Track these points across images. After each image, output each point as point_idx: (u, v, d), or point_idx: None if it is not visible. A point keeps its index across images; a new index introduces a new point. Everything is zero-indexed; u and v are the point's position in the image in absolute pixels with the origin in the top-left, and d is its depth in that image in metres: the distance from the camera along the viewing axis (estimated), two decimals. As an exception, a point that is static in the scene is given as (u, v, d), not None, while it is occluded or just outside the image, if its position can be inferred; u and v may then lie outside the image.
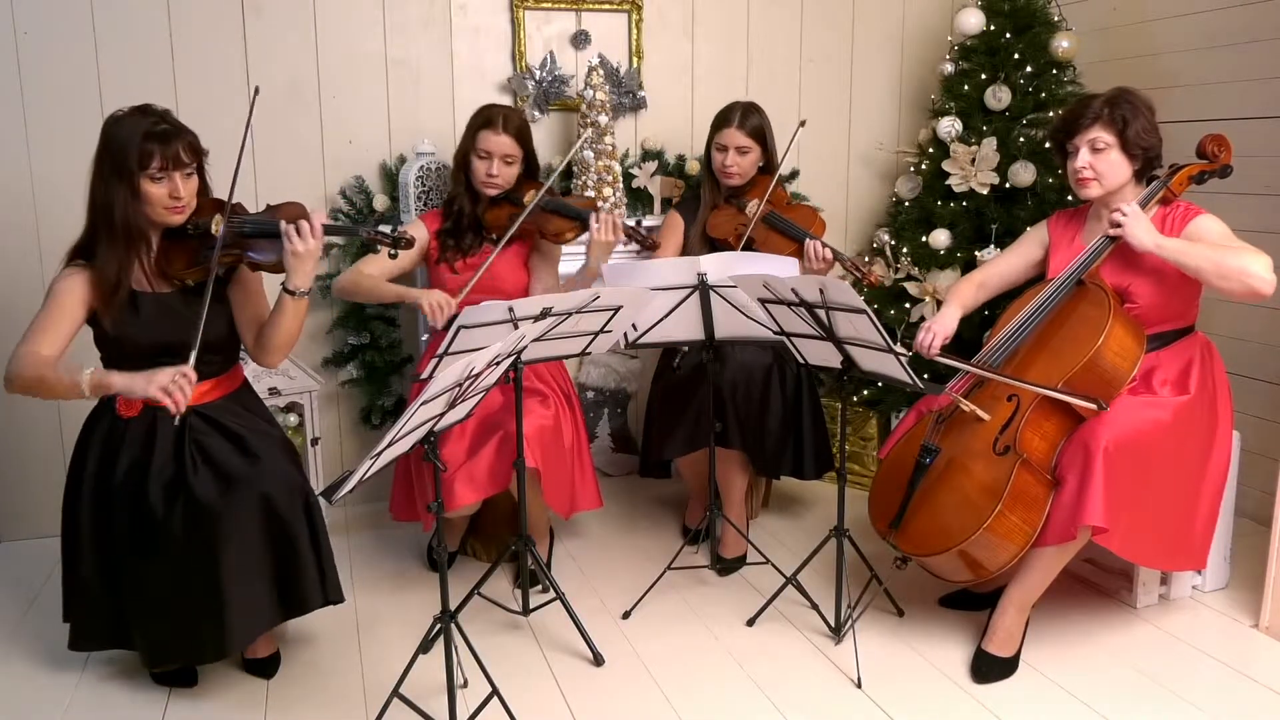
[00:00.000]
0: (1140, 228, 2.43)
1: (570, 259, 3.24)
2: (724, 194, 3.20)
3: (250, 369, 3.01)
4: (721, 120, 3.14)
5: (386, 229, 2.46)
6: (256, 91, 2.37)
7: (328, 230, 2.35)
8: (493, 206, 2.98)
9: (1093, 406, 2.36)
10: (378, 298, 2.97)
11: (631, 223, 2.98)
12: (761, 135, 3.12)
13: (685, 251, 3.20)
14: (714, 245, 3.12)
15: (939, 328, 2.66)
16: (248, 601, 2.23)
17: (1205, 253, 2.38)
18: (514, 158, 2.94)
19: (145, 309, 2.31)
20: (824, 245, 2.95)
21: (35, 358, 2.18)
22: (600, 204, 3.45)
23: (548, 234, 2.95)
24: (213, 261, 2.27)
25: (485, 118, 2.91)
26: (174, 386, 2.10)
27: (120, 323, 2.28)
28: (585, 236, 2.91)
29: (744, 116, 3.10)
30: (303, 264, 2.30)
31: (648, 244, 2.96)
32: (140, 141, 2.21)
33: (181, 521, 2.21)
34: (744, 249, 2.98)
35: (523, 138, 2.95)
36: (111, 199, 2.22)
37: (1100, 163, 2.52)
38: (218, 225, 2.31)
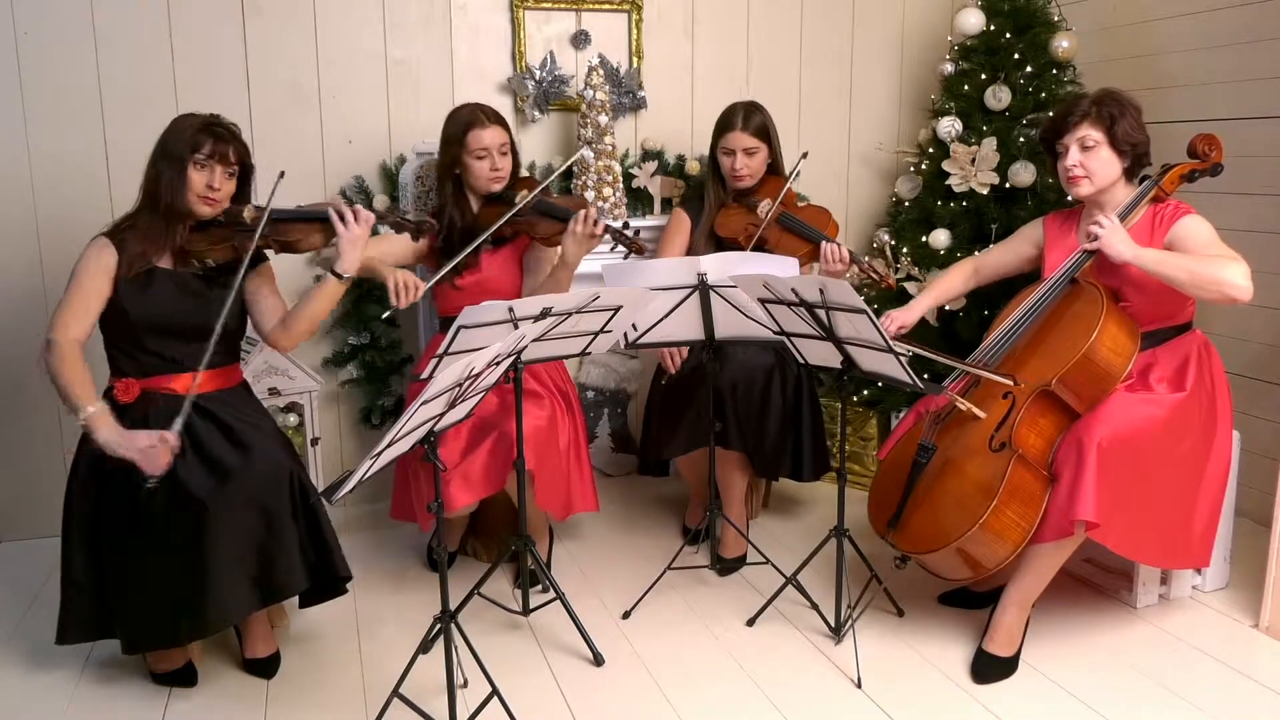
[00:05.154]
0: (1117, 240, 2.43)
1: (588, 258, 3.23)
2: (731, 193, 3.18)
3: (250, 370, 3.02)
4: (725, 124, 3.10)
5: (411, 215, 2.62)
6: (281, 175, 2.42)
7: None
8: (487, 206, 2.96)
9: (1008, 383, 2.40)
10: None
11: (617, 224, 2.88)
12: (766, 133, 3.10)
13: (691, 251, 3.17)
14: (721, 244, 3.10)
15: (901, 316, 2.78)
16: (227, 586, 2.24)
17: (1182, 263, 2.39)
18: (508, 146, 2.91)
19: (160, 284, 2.37)
20: (841, 247, 2.93)
21: (69, 348, 2.28)
22: (600, 204, 3.45)
23: (538, 236, 2.89)
24: (252, 240, 2.38)
25: (466, 120, 2.86)
26: (156, 450, 2.20)
27: (133, 293, 2.34)
28: None
29: (747, 117, 3.07)
30: (353, 249, 2.46)
31: (633, 248, 2.81)
32: (196, 130, 2.35)
33: (165, 504, 2.23)
34: (755, 250, 2.96)
35: (506, 125, 2.93)
36: (159, 178, 2.35)
37: (1090, 160, 2.53)
38: (250, 213, 2.44)
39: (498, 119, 2.90)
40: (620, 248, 2.83)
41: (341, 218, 2.44)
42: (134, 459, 2.21)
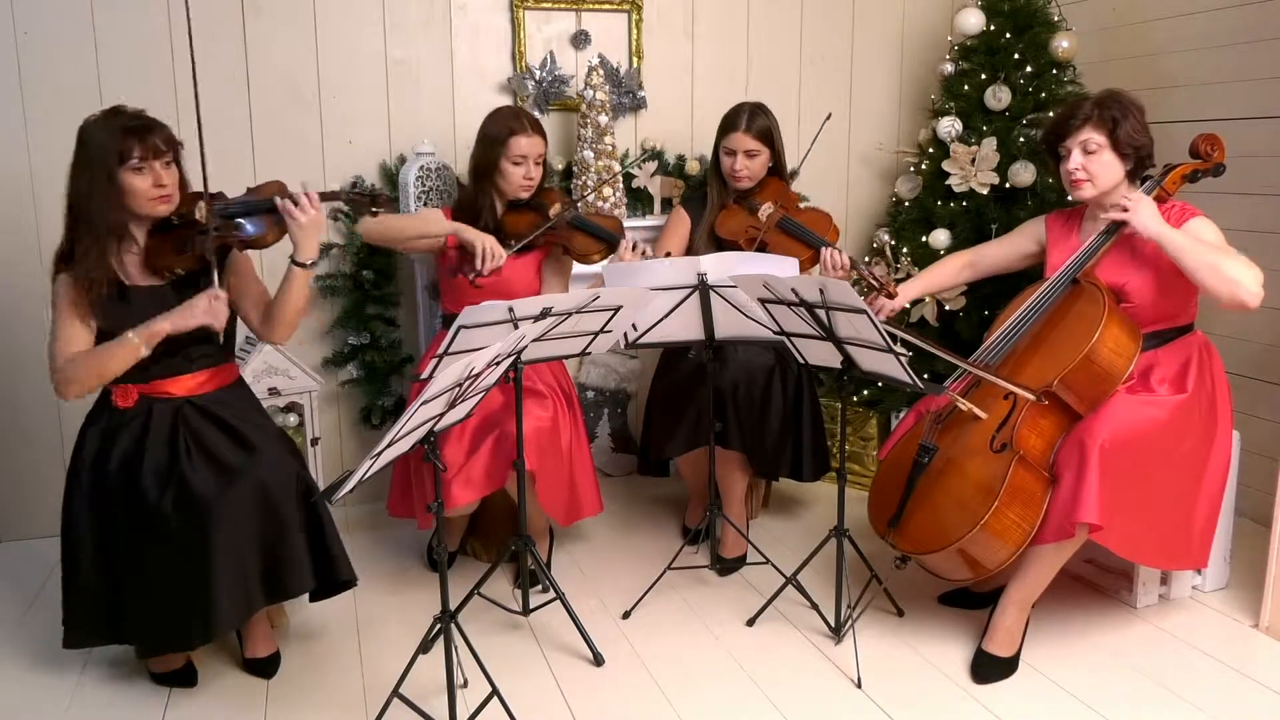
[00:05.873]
0: (1147, 213, 2.44)
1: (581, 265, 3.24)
2: (732, 194, 3.18)
3: (250, 370, 3.02)
4: (729, 124, 3.10)
5: (361, 189, 2.59)
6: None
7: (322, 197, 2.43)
8: (512, 211, 2.98)
9: (1030, 396, 2.40)
10: (423, 231, 2.90)
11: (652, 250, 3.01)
12: (769, 137, 3.09)
13: (691, 250, 3.18)
14: (721, 245, 3.10)
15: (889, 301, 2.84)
16: (235, 587, 2.24)
17: (1204, 253, 2.38)
18: (543, 157, 2.96)
19: (138, 301, 2.33)
20: (841, 253, 2.93)
21: (72, 358, 2.26)
22: (599, 204, 3.46)
23: (573, 251, 2.95)
24: (208, 243, 2.31)
25: (511, 125, 2.89)
26: (215, 305, 2.28)
27: (111, 317, 2.30)
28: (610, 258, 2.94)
29: (751, 119, 3.07)
30: (308, 235, 2.37)
31: None
32: (119, 137, 2.24)
33: (174, 508, 2.23)
34: (756, 252, 2.97)
35: (545, 136, 2.97)
36: (90, 195, 2.25)
37: (1093, 164, 2.53)
38: (202, 211, 2.35)
39: (540, 129, 2.94)
40: None
41: (293, 204, 2.33)
42: (201, 322, 2.27)
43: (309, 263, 2.39)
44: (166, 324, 2.26)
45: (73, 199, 2.29)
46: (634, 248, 2.90)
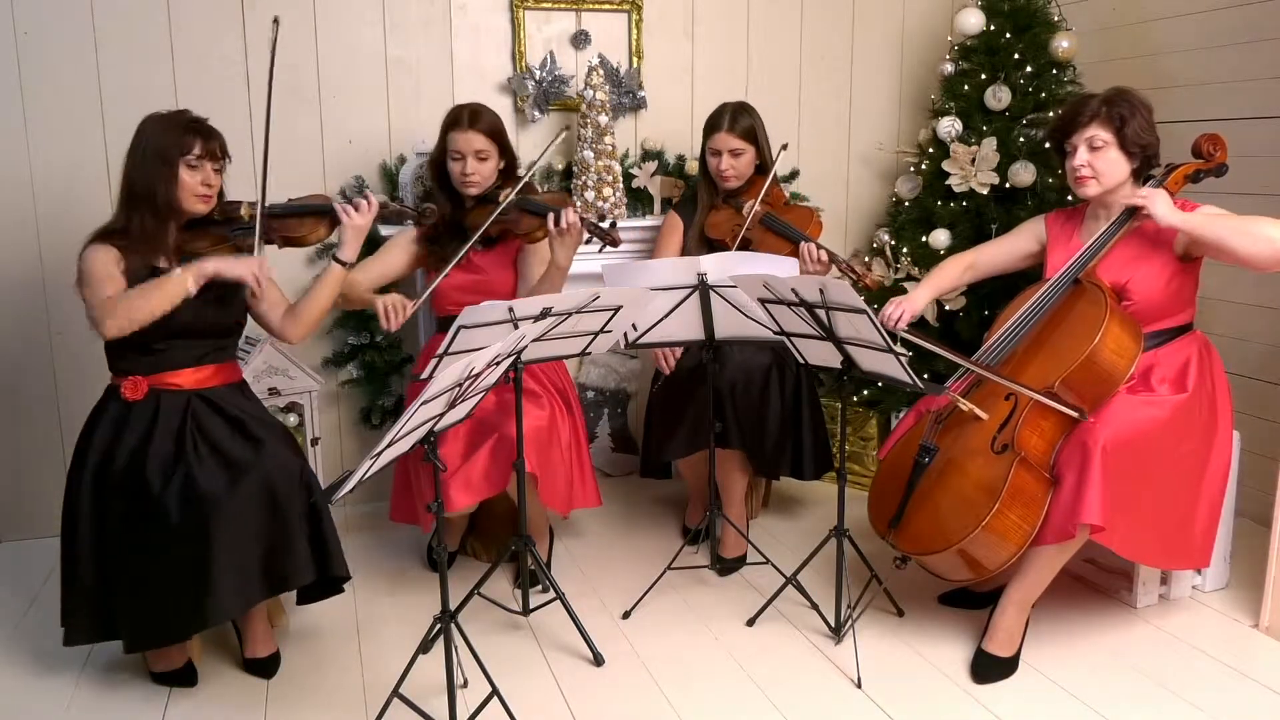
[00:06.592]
0: (1163, 205, 2.44)
1: (581, 259, 3.22)
2: (721, 194, 3.20)
3: (250, 370, 3.02)
4: (712, 125, 3.12)
5: (408, 203, 2.69)
6: (276, 21, 2.44)
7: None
8: (477, 207, 2.96)
9: (1074, 414, 2.39)
10: (350, 304, 2.96)
11: (592, 218, 2.94)
12: (753, 135, 3.11)
13: (684, 253, 3.20)
14: (712, 246, 3.12)
15: (908, 305, 2.75)
16: (232, 581, 2.24)
17: (1230, 223, 2.39)
18: (486, 153, 2.87)
19: None
20: (819, 247, 2.94)
21: (120, 295, 2.30)
22: (600, 204, 3.46)
23: (520, 233, 2.87)
24: (255, 238, 2.42)
25: (453, 118, 2.88)
26: (261, 268, 2.36)
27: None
28: None
29: (733, 119, 3.09)
30: (357, 236, 2.52)
31: (608, 240, 2.76)
32: (182, 131, 2.38)
33: (177, 500, 2.24)
34: (740, 249, 2.98)
35: (493, 133, 2.88)
36: (153, 181, 2.36)
37: (1099, 161, 2.53)
38: (247, 211, 2.47)
39: (479, 123, 2.85)
40: (597, 241, 2.79)
41: (353, 207, 2.49)
42: (244, 275, 2.34)
43: (348, 263, 2.52)
44: (212, 265, 2.33)
45: (132, 182, 2.39)
46: (560, 219, 2.72)
